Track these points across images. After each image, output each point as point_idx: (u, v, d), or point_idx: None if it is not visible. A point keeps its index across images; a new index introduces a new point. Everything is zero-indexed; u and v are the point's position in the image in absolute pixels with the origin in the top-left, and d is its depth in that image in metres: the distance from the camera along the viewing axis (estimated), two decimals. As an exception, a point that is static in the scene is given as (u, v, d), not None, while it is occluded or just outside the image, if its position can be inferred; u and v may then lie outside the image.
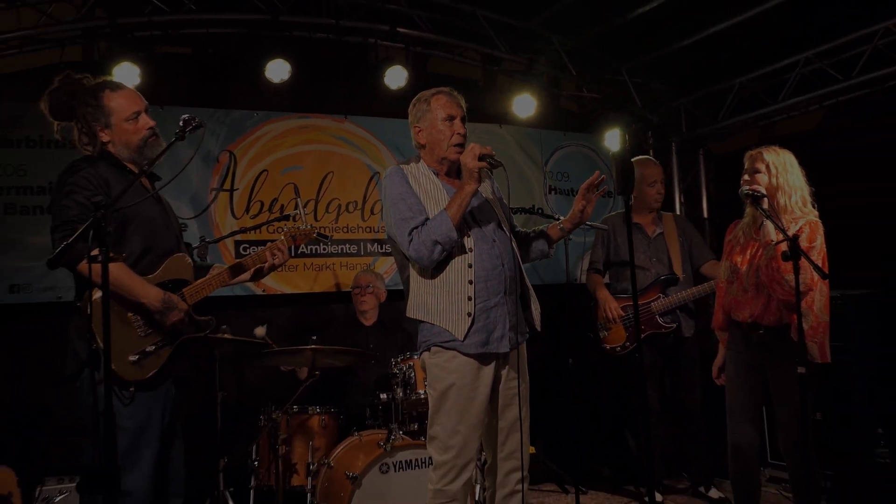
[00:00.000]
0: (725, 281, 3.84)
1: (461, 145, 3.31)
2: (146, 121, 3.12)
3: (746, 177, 3.69)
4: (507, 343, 3.23)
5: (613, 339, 5.05)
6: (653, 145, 6.79)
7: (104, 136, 3.07)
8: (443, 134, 3.32)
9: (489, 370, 3.24)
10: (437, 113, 3.33)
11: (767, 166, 3.64)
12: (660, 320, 4.91)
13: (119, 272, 2.70)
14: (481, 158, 3.11)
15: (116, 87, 3.16)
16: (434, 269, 3.23)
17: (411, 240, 3.18)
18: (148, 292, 2.92)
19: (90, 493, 2.71)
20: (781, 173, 3.63)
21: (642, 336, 4.95)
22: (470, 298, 3.18)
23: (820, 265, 3.44)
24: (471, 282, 3.20)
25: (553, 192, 6.55)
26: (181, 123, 2.68)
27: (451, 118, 3.31)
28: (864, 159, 5.53)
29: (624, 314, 4.99)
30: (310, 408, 4.45)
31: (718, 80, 6.19)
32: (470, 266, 3.22)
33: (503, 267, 3.26)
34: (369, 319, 5.15)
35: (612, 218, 5.27)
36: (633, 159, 5.13)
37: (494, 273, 3.24)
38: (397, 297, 4.96)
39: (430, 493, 3.26)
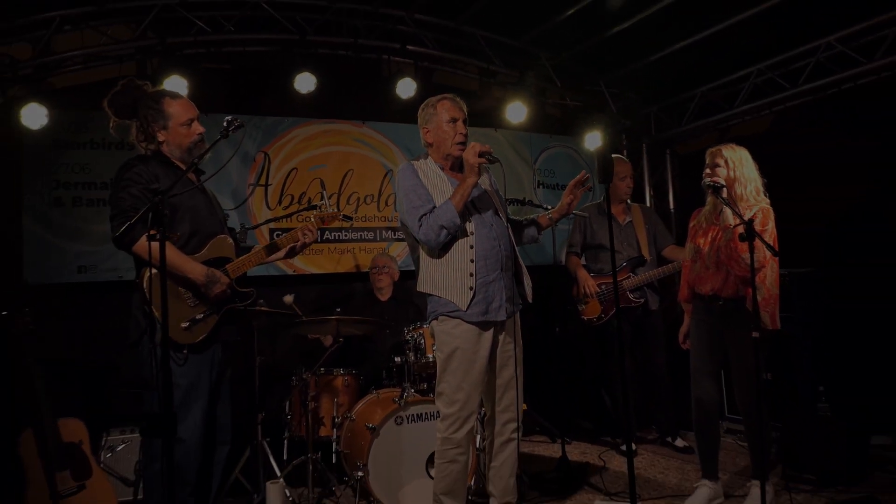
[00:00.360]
0: (690, 260, 3.85)
1: (463, 143, 3.34)
2: (197, 127, 3.16)
3: (708, 170, 3.70)
4: (504, 312, 3.27)
5: (590, 312, 5.08)
6: (626, 146, 6.79)
7: (160, 136, 3.10)
8: (447, 134, 3.35)
9: (488, 335, 3.27)
10: (443, 116, 3.35)
11: (726, 161, 3.65)
12: (630, 296, 4.94)
13: (169, 252, 2.73)
14: (481, 155, 3.15)
15: (175, 95, 3.19)
16: (441, 250, 3.26)
17: (421, 225, 3.21)
18: (194, 268, 2.95)
19: (152, 436, 2.75)
20: (738, 167, 3.64)
21: (614, 310, 4.99)
22: (472, 275, 3.22)
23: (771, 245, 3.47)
24: (472, 260, 3.23)
25: (541, 187, 6.55)
26: (224, 124, 2.70)
27: (454, 120, 3.34)
28: (806, 157, 5.55)
29: (599, 290, 5.03)
30: (334, 370, 4.47)
31: (683, 89, 6.19)
32: (471, 247, 3.25)
33: (500, 248, 3.29)
34: (385, 295, 5.17)
35: (588, 207, 5.28)
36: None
37: (492, 253, 3.27)
38: (409, 277, 4.99)
39: (438, 441, 3.30)
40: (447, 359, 3.25)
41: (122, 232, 2.41)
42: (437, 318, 3.30)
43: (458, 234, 3.24)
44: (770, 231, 3.55)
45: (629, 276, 4.94)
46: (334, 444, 4.24)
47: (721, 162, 3.65)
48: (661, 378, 5.07)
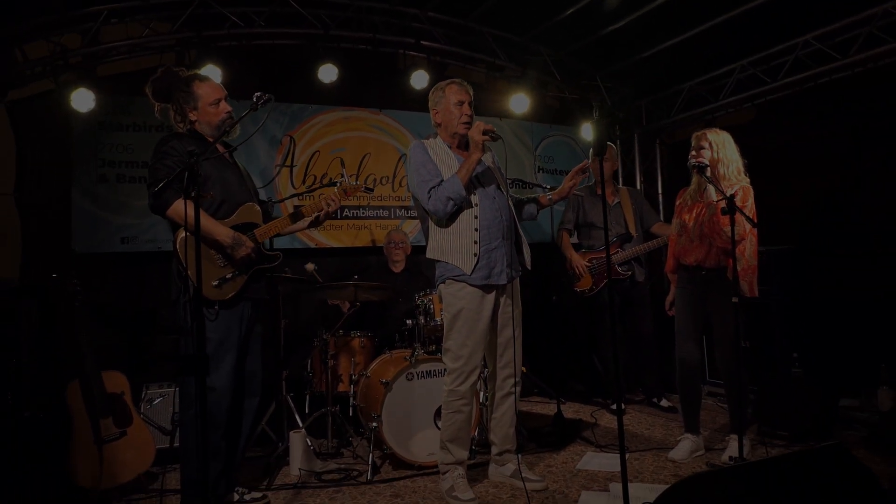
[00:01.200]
0: (675, 234, 3.79)
1: (468, 124, 3.31)
2: (225, 106, 3.13)
3: (693, 152, 3.63)
4: (505, 277, 3.25)
5: (583, 284, 5.03)
6: (619, 136, 6.69)
7: (192, 116, 3.08)
8: (454, 115, 3.32)
9: (491, 298, 3.24)
10: (451, 98, 3.32)
11: (710, 143, 3.59)
12: (618, 269, 4.89)
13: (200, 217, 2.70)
14: (485, 133, 3.14)
15: (204, 78, 3.17)
16: (448, 220, 3.23)
17: (430, 196, 3.18)
18: (221, 231, 2.92)
19: (187, 374, 2.74)
20: (721, 149, 3.58)
21: (604, 282, 4.94)
22: (476, 242, 3.19)
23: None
24: (476, 229, 3.21)
25: (541, 172, 6.47)
26: (254, 98, 2.65)
27: (461, 103, 3.31)
28: (785, 148, 5.48)
29: (589, 265, 4.98)
30: (352, 332, 4.44)
31: (672, 83, 6.09)
32: (476, 217, 3.22)
33: (502, 218, 3.26)
34: (398, 268, 5.12)
35: (581, 189, 5.22)
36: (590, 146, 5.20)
37: (495, 223, 3.23)
38: (419, 252, 4.94)
39: (444, 393, 3.28)
40: (453, 318, 3.22)
41: (158, 189, 2.38)
42: (444, 282, 3.27)
43: (463, 205, 3.21)
44: (749, 207, 3.50)
45: (617, 251, 4.88)
46: (351, 398, 4.22)
47: (706, 144, 3.59)
48: (648, 344, 5.02)
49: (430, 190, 3.18)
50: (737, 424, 3.53)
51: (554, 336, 5.66)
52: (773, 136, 5.58)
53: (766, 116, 5.72)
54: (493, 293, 3.25)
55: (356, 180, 5.52)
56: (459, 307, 3.20)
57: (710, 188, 3.49)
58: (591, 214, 5.07)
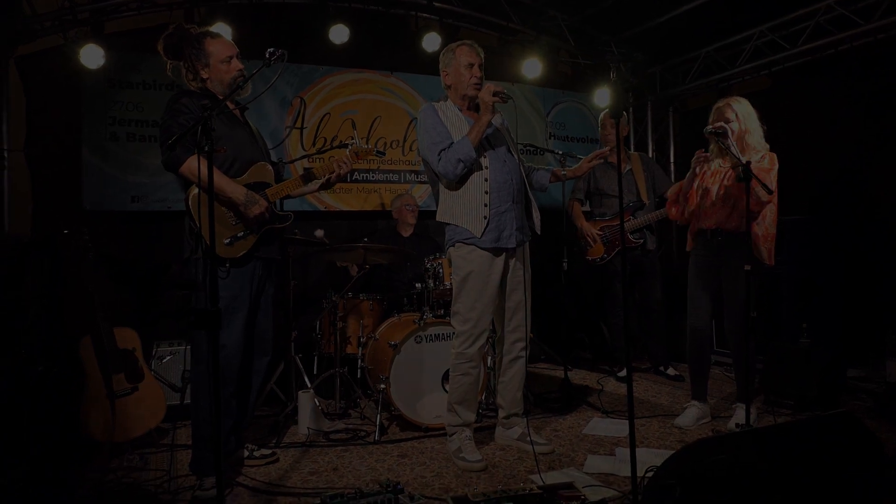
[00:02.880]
0: (698, 199, 3.70)
1: (478, 86, 3.26)
2: (237, 64, 3.08)
3: (719, 123, 3.54)
4: (514, 240, 3.23)
5: (594, 252, 5.01)
6: (632, 103, 6.61)
7: (203, 74, 3.04)
8: (463, 77, 3.27)
9: (500, 261, 3.23)
10: (461, 60, 3.27)
11: (736, 115, 3.53)
12: (630, 237, 4.85)
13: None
14: (495, 94, 3.09)
15: (215, 35, 3.12)
16: (458, 183, 3.21)
17: (440, 159, 3.15)
18: (235, 189, 2.89)
19: (198, 329, 2.75)
20: (747, 119, 3.53)
21: (616, 250, 4.91)
22: (486, 205, 3.17)
23: (774, 186, 3.40)
24: (486, 192, 3.18)
25: (552, 138, 6.40)
26: (267, 55, 2.60)
27: (471, 65, 3.27)
28: (801, 116, 5.40)
29: (601, 233, 4.95)
30: (361, 295, 4.44)
31: (687, 50, 5.98)
32: (486, 180, 3.19)
33: (512, 181, 3.24)
34: (407, 231, 5.11)
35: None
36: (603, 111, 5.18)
37: (505, 186, 3.21)
38: (428, 217, 4.93)
39: (452, 356, 3.28)
40: (462, 281, 3.21)
41: (171, 142, 2.35)
42: (454, 245, 3.25)
43: (473, 167, 3.18)
44: (775, 173, 3.45)
45: (629, 219, 4.84)
46: (359, 360, 4.24)
47: (732, 116, 3.53)
48: (656, 312, 5.01)
49: (441, 152, 3.15)
50: (743, 392, 3.54)
51: (563, 303, 5.66)
52: (789, 104, 5.50)
53: (781, 85, 5.63)
54: (503, 256, 3.23)
55: (367, 143, 5.53)
56: (469, 270, 3.18)
57: (733, 151, 3.44)
58: (602, 182, 5.03)
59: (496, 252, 3.20)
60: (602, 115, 5.18)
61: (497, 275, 3.22)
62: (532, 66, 5.82)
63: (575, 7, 5.72)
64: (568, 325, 5.78)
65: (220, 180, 2.84)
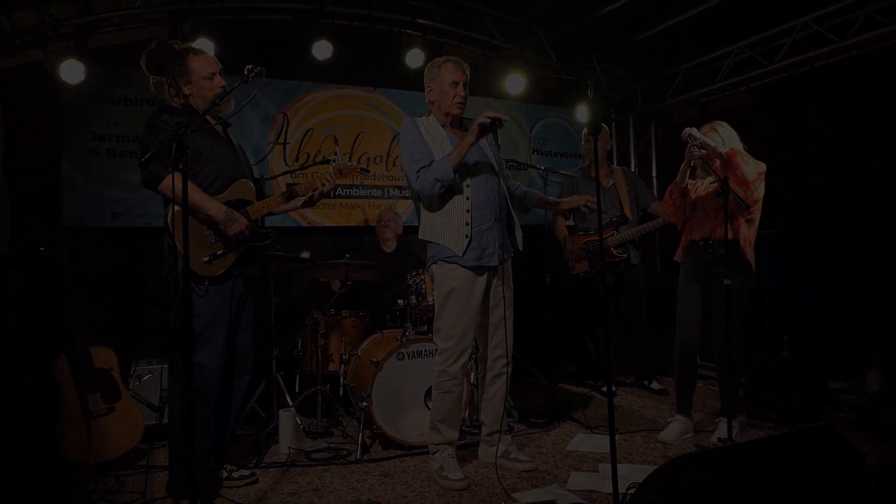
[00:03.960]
0: (688, 213, 3.71)
1: (462, 105, 3.25)
2: (219, 80, 3.07)
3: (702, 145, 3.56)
4: (497, 258, 3.21)
5: (580, 267, 5.01)
6: (614, 118, 6.65)
7: (186, 90, 3.02)
8: (447, 94, 3.25)
9: (482, 279, 3.21)
10: (446, 77, 3.25)
11: (722, 139, 3.56)
12: (614, 251, 4.86)
13: (191, 191, 2.64)
14: (492, 123, 3.02)
15: (198, 52, 3.11)
16: (440, 200, 3.19)
17: (418, 177, 3.14)
18: (214, 207, 2.87)
19: (173, 347, 2.71)
20: (732, 141, 3.56)
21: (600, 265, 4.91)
22: (468, 223, 3.15)
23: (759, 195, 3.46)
24: (468, 210, 3.17)
25: (536, 153, 6.43)
26: (245, 71, 2.59)
27: (455, 83, 3.24)
28: (780, 132, 5.46)
29: (584, 247, 4.95)
30: (343, 312, 4.41)
31: (667, 66, 6.03)
32: (468, 199, 3.18)
33: (494, 199, 3.22)
34: (389, 247, 5.08)
35: (575, 171, 5.20)
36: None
37: (487, 204, 3.19)
38: (411, 232, 4.91)
39: (435, 373, 3.26)
40: (444, 299, 3.19)
41: (145, 160, 2.32)
42: (436, 263, 3.24)
43: (456, 186, 3.16)
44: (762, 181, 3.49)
45: (613, 234, 4.85)
46: (342, 377, 4.20)
47: (718, 139, 3.56)
48: (641, 326, 5.01)
49: (420, 170, 3.13)
50: (727, 406, 3.53)
51: (546, 318, 5.65)
52: (768, 119, 5.55)
53: (761, 100, 5.69)
54: (485, 274, 3.22)
55: (350, 159, 5.53)
56: (451, 287, 3.17)
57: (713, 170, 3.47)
58: None
59: (478, 270, 3.18)
60: (585, 129, 5.20)
61: (479, 292, 3.20)
62: (515, 82, 5.85)
63: (557, 23, 5.76)
64: (552, 340, 5.77)
65: (199, 198, 2.81)
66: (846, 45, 4.60)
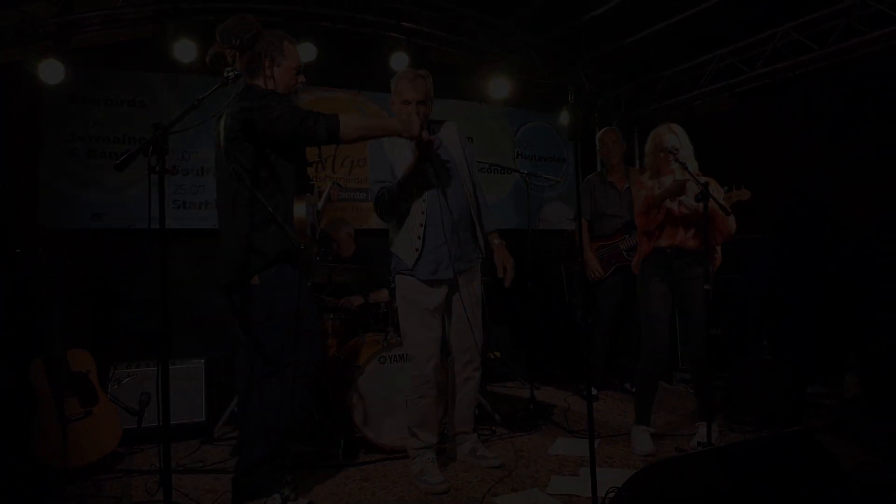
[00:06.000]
0: (659, 220, 3.67)
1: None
2: (302, 77, 2.98)
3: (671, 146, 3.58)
4: (452, 271, 3.21)
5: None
6: (598, 124, 6.66)
7: (268, 72, 2.86)
8: (401, 113, 3.20)
9: (440, 290, 3.26)
10: (398, 95, 3.26)
11: (679, 140, 3.58)
12: (625, 254, 4.83)
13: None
14: (419, 145, 2.96)
15: (293, 41, 3.00)
16: (399, 216, 3.24)
17: (374, 193, 3.25)
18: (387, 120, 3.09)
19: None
20: (686, 146, 3.59)
21: (613, 268, 4.90)
22: (419, 238, 3.19)
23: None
24: (421, 225, 3.20)
25: (520, 157, 6.44)
26: (225, 74, 2.57)
27: (407, 102, 3.18)
28: (762, 136, 5.51)
29: (597, 252, 4.96)
30: (324, 315, 4.38)
31: (652, 71, 6.07)
32: (423, 213, 3.20)
33: (451, 215, 3.19)
34: (344, 252, 4.90)
35: (593, 175, 5.21)
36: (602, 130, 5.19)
37: (443, 220, 3.18)
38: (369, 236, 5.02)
39: (410, 379, 3.30)
40: (404, 308, 3.27)
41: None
42: (397, 274, 3.30)
43: (414, 203, 3.19)
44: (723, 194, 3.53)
45: (625, 237, 4.84)
46: (322, 381, 4.17)
47: (675, 141, 3.57)
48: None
49: (380, 190, 3.20)
50: (706, 411, 3.54)
51: (530, 322, 5.65)
52: (752, 124, 5.60)
53: (745, 105, 5.73)
54: (444, 286, 3.27)
55: (333, 162, 5.51)
56: (407, 298, 3.25)
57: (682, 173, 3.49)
58: (602, 203, 5.02)
59: (433, 283, 3.23)
60: (601, 132, 5.17)
61: (436, 303, 3.25)
62: (500, 86, 5.84)
63: (542, 28, 5.78)
64: (537, 342, 5.76)
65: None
66: (826, 53, 4.63)
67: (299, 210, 2.77)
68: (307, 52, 5.08)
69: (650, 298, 3.66)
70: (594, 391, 4.95)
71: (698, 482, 2.30)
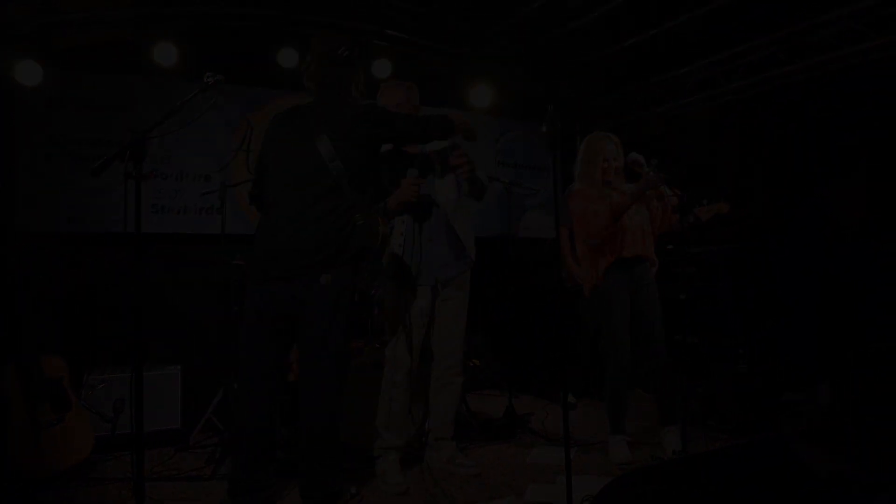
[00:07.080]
0: (611, 233, 3.62)
1: None
2: None
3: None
4: (432, 279, 3.33)
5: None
6: (580, 133, 6.73)
7: (354, 91, 3.11)
8: None
9: (421, 298, 3.33)
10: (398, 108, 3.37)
11: (618, 150, 3.66)
12: None
13: None
14: (398, 204, 3.18)
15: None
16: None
17: None
18: None
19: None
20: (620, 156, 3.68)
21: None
22: (400, 245, 3.30)
23: None
24: (402, 234, 3.29)
25: (501, 165, 6.47)
26: (204, 78, 2.57)
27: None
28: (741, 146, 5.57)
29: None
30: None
31: (632, 81, 6.13)
32: (402, 234, 3.30)
33: (426, 231, 3.32)
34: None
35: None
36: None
37: (419, 239, 3.30)
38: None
39: (383, 381, 3.39)
40: (387, 314, 3.34)
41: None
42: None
43: (397, 229, 3.29)
44: None
45: None
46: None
47: (617, 152, 3.65)
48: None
49: None
50: (674, 418, 3.59)
51: (509, 329, 5.67)
52: (732, 134, 5.67)
53: (725, 115, 5.80)
54: (425, 294, 3.34)
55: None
56: (388, 302, 3.32)
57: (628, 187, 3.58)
58: None
59: (416, 289, 3.32)
60: (630, 156, 5.14)
61: (418, 308, 3.31)
62: (482, 94, 5.88)
63: (525, 37, 5.81)
64: (517, 350, 5.78)
65: None
66: (806, 66, 4.74)
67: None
68: (288, 57, 5.11)
69: (612, 310, 3.62)
70: (573, 399, 4.98)
71: (672, 490, 2.33)
